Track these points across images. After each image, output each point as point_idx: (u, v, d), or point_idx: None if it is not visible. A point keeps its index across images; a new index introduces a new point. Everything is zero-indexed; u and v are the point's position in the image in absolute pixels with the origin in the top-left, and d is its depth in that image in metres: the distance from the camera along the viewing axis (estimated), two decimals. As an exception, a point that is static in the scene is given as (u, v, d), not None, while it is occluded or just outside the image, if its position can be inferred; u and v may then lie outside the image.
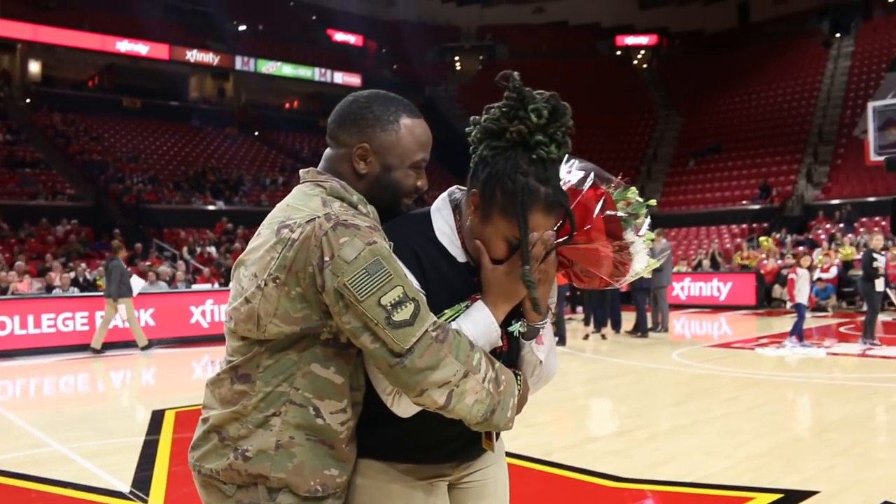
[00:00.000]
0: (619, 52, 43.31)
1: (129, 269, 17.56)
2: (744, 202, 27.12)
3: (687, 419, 6.76)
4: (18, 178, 23.03)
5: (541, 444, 5.91)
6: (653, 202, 1.88)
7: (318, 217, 1.60)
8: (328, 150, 1.80)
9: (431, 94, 39.27)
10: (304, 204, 1.66)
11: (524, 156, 1.68)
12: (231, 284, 1.75)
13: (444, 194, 1.86)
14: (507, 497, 2.07)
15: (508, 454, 5.41)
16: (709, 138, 32.01)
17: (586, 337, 13.09)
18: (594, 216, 1.75)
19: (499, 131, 1.70)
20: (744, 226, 25.70)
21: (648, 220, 1.84)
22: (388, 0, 45.32)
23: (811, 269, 11.45)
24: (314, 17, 42.66)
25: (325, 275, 1.56)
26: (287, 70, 36.18)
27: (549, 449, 5.78)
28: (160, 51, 32.54)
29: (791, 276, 11.36)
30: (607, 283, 1.83)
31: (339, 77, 37.29)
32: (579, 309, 16.10)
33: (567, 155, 1.79)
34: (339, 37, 42.37)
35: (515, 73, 1.72)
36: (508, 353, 1.84)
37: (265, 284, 1.61)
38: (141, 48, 31.94)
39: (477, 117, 1.76)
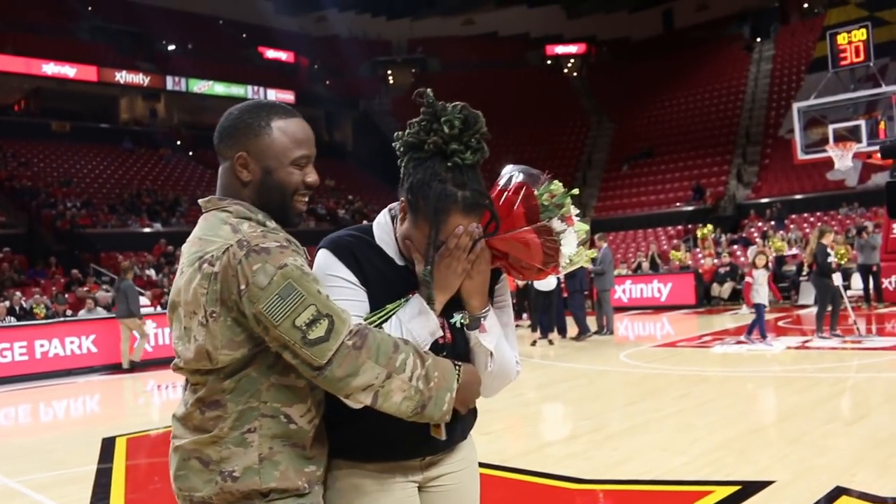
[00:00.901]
0: (549, 62, 43.88)
1: (67, 295, 17.15)
2: (678, 204, 27.71)
3: (641, 418, 6.86)
4: (-55, 207, 22.29)
5: (498, 451, 5.93)
6: (575, 191, 1.99)
7: (231, 246, 1.66)
8: (220, 171, 1.86)
9: (366, 108, 39.28)
10: (214, 234, 1.72)
11: (442, 164, 1.82)
12: (173, 325, 1.78)
13: (385, 209, 2.00)
14: (478, 499, 2.11)
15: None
16: (641, 143, 32.64)
17: (534, 343, 13.20)
18: (514, 207, 1.89)
19: (418, 144, 1.84)
20: (679, 227, 26.24)
21: (575, 210, 1.96)
22: (318, 16, 45.15)
23: (766, 267, 11.67)
24: (244, 35, 42.27)
25: (244, 302, 1.63)
26: (219, 89, 35.76)
27: (507, 455, 5.80)
28: (88, 72, 31.84)
29: (748, 278, 11.57)
30: (544, 273, 1.95)
31: (273, 94, 36.99)
32: (524, 316, 16.20)
33: (508, 166, 1.98)
34: (271, 54, 42.06)
35: (429, 90, 1.87)
36: (455, 346, 1.95)
37: (205, 321, 1.67)
38: (68, 70, 31.20)
39: (400, 132, 1.89)
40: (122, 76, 33.13)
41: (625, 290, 20.01)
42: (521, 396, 8.60)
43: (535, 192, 1.92)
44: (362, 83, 42.64)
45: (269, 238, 1.67)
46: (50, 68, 30.70)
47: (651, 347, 12.19)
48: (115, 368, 12.99)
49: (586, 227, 1.99)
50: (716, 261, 20.40)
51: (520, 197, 1.90)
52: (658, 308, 19.12)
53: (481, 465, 5.31)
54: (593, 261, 14.36)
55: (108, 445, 7.06)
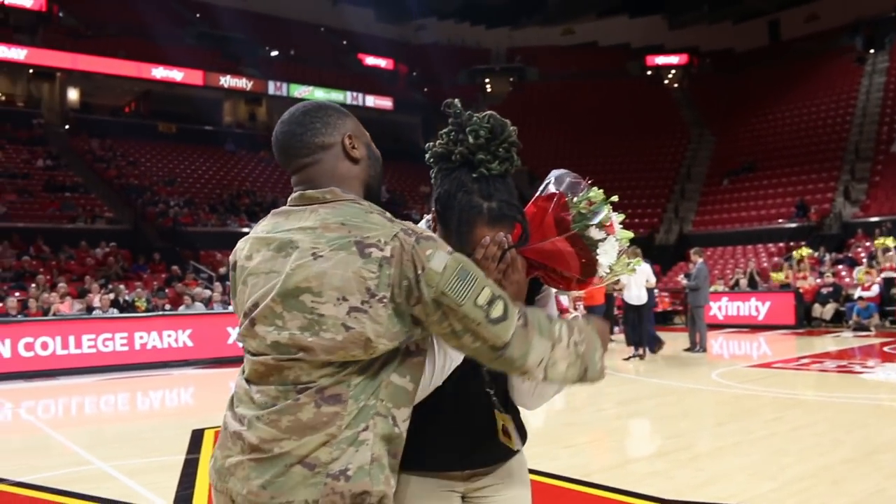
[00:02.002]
0: (649, 72, 43.17)
1: (167, 290, 17.80)
2: (780, 221, 26.80)
3: (729, 440, 6.65)
4: (58, 202, 23.42)
5: (580, 465, 5.85)
6: (615, 198, 1.96)
7: (398, 232, 1.65)
8: (316, 167, 1.81)
9: (463, 116, 39.42)
10: (363, 220, 1.68)
11: (468, 175, 1.82)
12: (284, 315, 1.67)
13: (423, 220, 2.03)
14: None
15: (547, 475, 5.39)
16: (742, 157, 31.72)
17: (627, 358, 12.90)
18: (546, 215, 1.87)
19: (446, 154, 1.85)
20: (780, 244, 25.38)
21: (618, 216, 1.93)
22: (418, 24, 45.68)
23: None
24: (345, 42, 43.11)
25: (422, 287, 1.61)
26: (319, 94, 36.48)
27: (589, 470, 5.71)
28: (195, 77, 33.01)
29: None
30: (585, 284, 1.92)
31: (371, 100, 37.59)
32: (616, 330, 15.93)
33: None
34: (370, 61, 42.73)
35: (456, 101, 1.90)
36: None
37: (369, 306, 1.61)
38: (176, 74, 32.43)
39: (431, 143, 1.91)
40: (227, 80, 34.20)
41: (721, 308, 19.47)
42: (607, 411, 8.48)
43: (574, 200, 1.90)
44: (460, 91, 42.78)
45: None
46: (159, 72, 31.97)
47: (745, 367, 11.81)
48: (213, 363, 13.42)
49: (629, 234, 1.95)
50: (818, 280, 19.65)
51: (551, 205, 1.87)
52: (755, 327, 18.52)
53: (561, 477, 5.30)
54: (687, 276, 14.09)
55: (196, 437, 7.27)
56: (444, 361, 1.82)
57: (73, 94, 32.43)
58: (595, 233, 1.86)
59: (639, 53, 43.24)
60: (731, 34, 42.08)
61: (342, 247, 1.63)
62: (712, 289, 19.95)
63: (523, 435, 2.06)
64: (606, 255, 1.86)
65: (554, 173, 1.99)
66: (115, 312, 14.20)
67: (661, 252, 25.76)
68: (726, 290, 20.62)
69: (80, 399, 10.71)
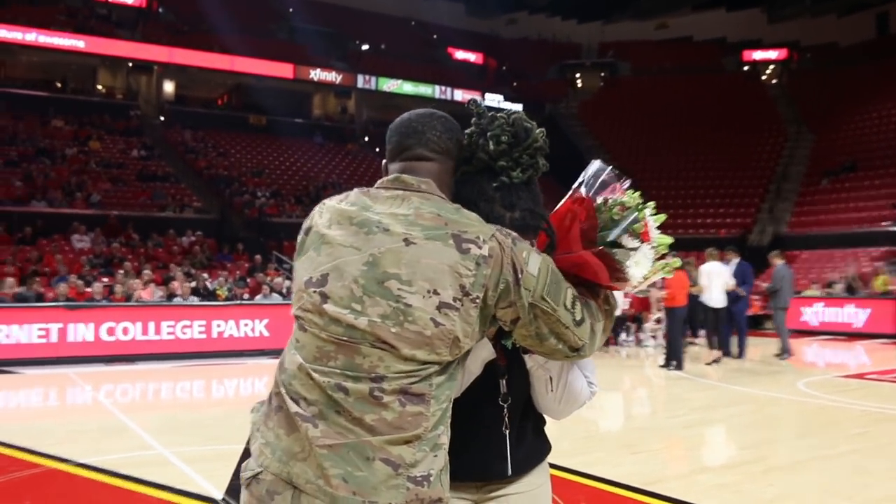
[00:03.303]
0: (746, 68, 41.76)
1: (248, 280, 18.13)
2: (882, 223, 25.54)
3: (808, 454, 6.29)
4: (150, 191, 24.15)
5: (644, 473, 5.59)
6: (651, 204, 1.84)
7: (495, 232, 1.61)
8: (427, 164, 1.74)
9: (552, 111, 38.99)
10: (460, 215, 1.63)
11: (489, 182, 1.73)
12: (368, 299, 1.57)
13: None
14: None
15: (606, 481, 5.18)
16: (843, 156, 30.37)
17: (710, 363, 12.45)
18: (573, 224, 1.76)
19: (467, 157, 1.76)
20: (882, 249, 24.19)
21: (654, 220, 1.82)
22: (508, 18, 45.43)
23: None
24: (434, 36, 43.20)
25: (520, 290, 1.59)
26: (408, 88, 36.68)
27: (652, 478, 5.45)
28: (285, 70, 33.56)
29: None
30: (614, 288, 1.81)
31: (459, 94, 37.55)
32: (700, 334, 15.45)
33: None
34: (460, 55, 42.72)
35: (479, 99, 1.82)
36: (510, 368, 1.86)
37: (461, 304, 1.56)
38: (267, 68, 33.05)
39: None
40: (317, 74, 34.67)
41: (816, 313, 18.66)
42: (681, 417, 8.17)
43: (608, 203, 1.80)
44: (549, 86, 42.47)
45: None
46: (250, 66, 32.63)
47: (836, 377, 11.24)
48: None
49: (668, 240, 1.82)
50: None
51: (576, 216, 1.76)
52: (852, 335, 17.66)
53: (623, 485, 5.08)
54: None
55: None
56: (462, 376, 1.75)
57: (168, 87, 33.45)
58: (627, 241, 1.76)
59: (735, 48, 41.91)
60: (834, 27, 40.33)
61: (438, 237, 1.58)
62: (806, 293, 19.23)
63: (544, 447, 1.99)
64: (638, 265, 1.76)
65: (592, 167, 1.88)
66: (194, 300, 14.50)
67: (753, 254, 24.81)
68: (822, 294, 19.74)
69: (155, 385, 10.96)
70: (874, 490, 5.14)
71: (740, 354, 12.92)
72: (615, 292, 1.84)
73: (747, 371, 11.79)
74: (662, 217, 1.83)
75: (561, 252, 1.74)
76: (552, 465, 5.61)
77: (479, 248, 1.57)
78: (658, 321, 14.58)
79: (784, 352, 13.04)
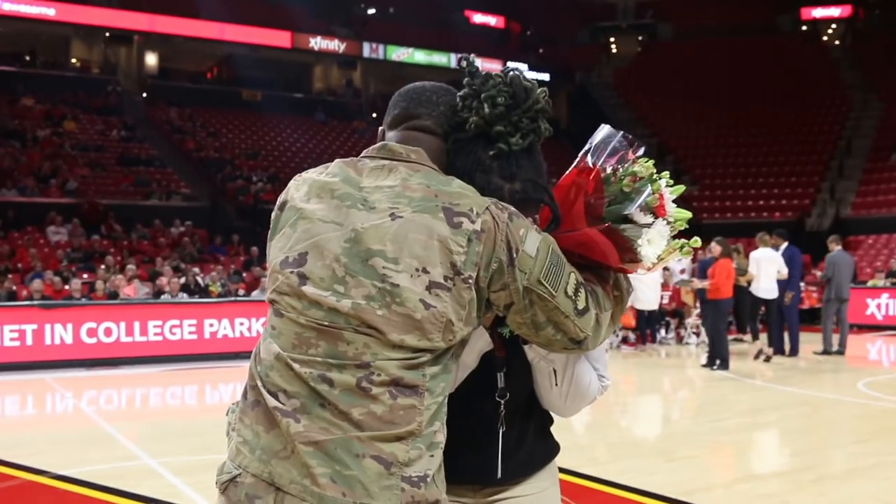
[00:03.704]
0: (804, 27, 41.46)
1: (244, 275, 18.35)
2: (961, 204, 25.44)
3: (866, 461, 6.38)
4: (132, 176, 24.37)
5: (678, 483, 5.71)
6: (666, 174, 1.83)
7: (490, 205, 1.61)
8: (423, 137, 1.77)
9: (583, 81, 38.92)
10: (451, 187, 1.64)
11: (485, 150, 1.71)
12: (351, 280, 1.59)
13: None
14: None
15: (637, 491, 5.30)
16: (918, 127, 30.18)
17: (767, 359, 12.57)
18: (574, 199, 1.76)
19: (460, 123, 1.74)
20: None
21: (670, 192, 1.81)
22: (533, -24, 45.33)
23: None
24: (450, -2, 43.17)
25: (514, 272, 1.58)
26: (420, 57, 36.63)
27: (686, 489, 5.56)
28: (282, 38, 33.50)
29: None
30: (625, 270, 1.81)
31: (478, 63, 37.26)
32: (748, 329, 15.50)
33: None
34: (479, 18, 42.57)
35: (472, 56, 1.79)
36: (509, 359, 1.87)
37: (453, 284, 1.56)
38: (261, 36, 33.07)
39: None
40: (317, 42, 34.65)
41: (879, 306, 18.60)
42: (724, 421, 8.27)
43: (617, 173, 1.80)
44: (580, 52, 42.25)
45: None
46: (242, 33, 32.57)
47: (901, 377, 11.31)
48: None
49: (686, 214, 1.82)
50: None
51: (582, 188, 1.77)
52: (923, 331, 17.65)
53: (656, 496, 5.20)
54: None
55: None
56: (456, 369, 1.77)
57: (151, 60, 33.57)
58: (639, 216, 1.76)
59: (792, 5, 41.52)
60: (907, -20, 40.02)
61: (427, 210, 1.58)
62: (871, 283, 19.19)
63: (550, 448, 2.03)
64: (652, 244, 1.75)
65: (600, 131, 1.87)
66: (184, 297, 14.70)
67: (811, 239, 24.79)
68: (888, 285, 19.67)
69: (142, 390, 11.18)
70: (935, 499, 5.24)
71: (792, 352, 13.02)
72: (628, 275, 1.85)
73: (801, 370, 11.86)
74: (680, 189, 1.83)
75: (564, 230, 1.74)
76: (579, 474, 5.75)
77: (472, 222, 1.57)
78: (700, 315, 14.63)
79: (839, 346, 13.27)
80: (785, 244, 13.03)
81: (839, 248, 13.58)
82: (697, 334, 15.13)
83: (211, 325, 13.74)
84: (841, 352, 13.22)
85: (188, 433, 7.96)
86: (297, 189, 1.75)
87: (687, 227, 1.84)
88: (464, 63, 1.79)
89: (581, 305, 1.64)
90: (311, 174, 1.77)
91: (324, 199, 1.67)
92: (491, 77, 1.74)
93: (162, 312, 13.61)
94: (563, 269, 1.62)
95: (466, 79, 1.76)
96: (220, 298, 15.09)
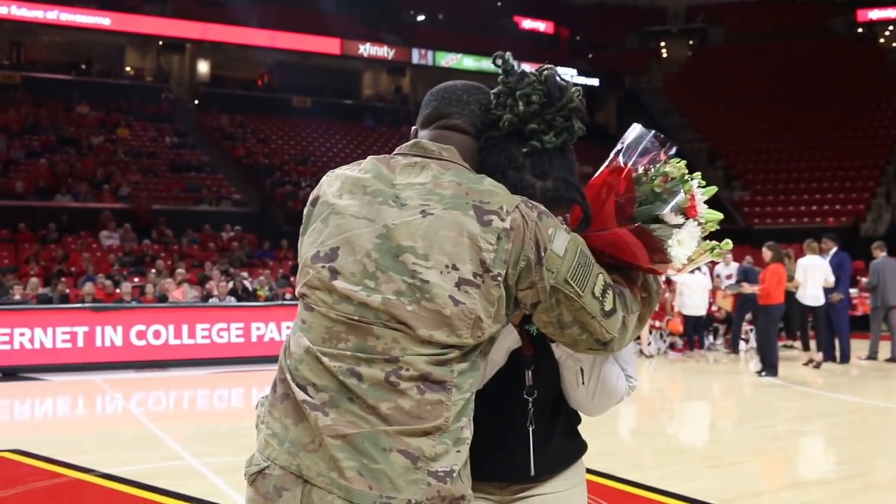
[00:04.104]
0: (860, 30, 40.76)
1: (292, 279, 18.48)
2: None
3: (915, 469, 6.24)
4: (183, 182, 24.74)
5: (719, 489, 5.63)
6: (697, 174, 1.82)
7: (519, 204, 1.62)
8: (454, 135, 1.78)
9: (632, 86, 38.69)
10: (482, 185, 1.65)
11: (519, 147, 1.72)
12: (382, 275, 1.61)
13: None
14: None
15: (677, 496, 5.24)
16: (976, 131, 29.50)
17: (817, 366, 12.37)
18: (605, 198, 1.76)
19: (494, 120, 1.75)
20: None
21: (702, 193, 1.80)
22: (583, -19, 45.18)
23: None
24: (499, 4, 43.14)
25: (542, 270, 1.59)
26: (468, 63, 36.64)
27: (728, 496, 5.48)
28: (331, 45, 33.74)
29: None
30: (654, 271, 1.81)
31: (528, 69, 37.31)
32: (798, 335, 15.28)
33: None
34: (528, 24, 42.49)
35: (508, 54, 1.79)
36: (537, 357, 1.87)
37: (482, 281, 1.57)
38: (311, 43, 33.27)
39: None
40: (366, 49, 34.84)
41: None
42: (771, 428, 8.14)
43: (649, 173, 1.78)
44: (630, 57, 42.00)
45: None
46: (293, 41, 32.86)
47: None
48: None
49: (717, 216, 1.81)
50: None
51: (613, 188, 1.77)
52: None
53: (695, 501, 5.13)
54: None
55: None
56: (484, 367, 1.78)
57: (203, 67, 34.07)
58: (670, 217, 1.75)
59: (847, 7, 40.82)
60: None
61: (458, 207, 1.60)
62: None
63: (578, 447, 2.03)
64: (682, 245, 1.75)
65: (632, 131, 1.87)
66: (232, 301, 14.86)
67: (866, 245, 24.31)
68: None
69: (189, 392, 11.34)
70: None
71: (843, 359, 12.82)
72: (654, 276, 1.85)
73: (852, 377, 11.66)
74: (712, 190, 1.82)
75: (594, 229, 1.74)
76: (620, 479, 5.69)
77: (502, 220, 1.58)
78: (750, 322, 14.47)
79: (890, 354, 13.07)
80: (834, 249, 12.85)
81: (884, 254, 13.40)
82: (746, 340, 14.93)
83: (258, 329, 13.87)
84: (893, 359, 12.95)
85: (233, 434, 8.02)
86: (330, 185, 1.76)
87: (718, 228, 1.83)
88: (499, 61, 1.80)
89: (608, 307, 1.64)
90: (344, 170, 1.78)
91: (356, 195, 1.68)
92: (526, 75, 1.75)
93: (210, 316, 13.78)
94: (590, 270, 1.62)
95: (501, 76, 1.78)
96: (267, 302, 15.21)
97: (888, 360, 12.94)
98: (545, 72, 1.75)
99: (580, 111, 1.74)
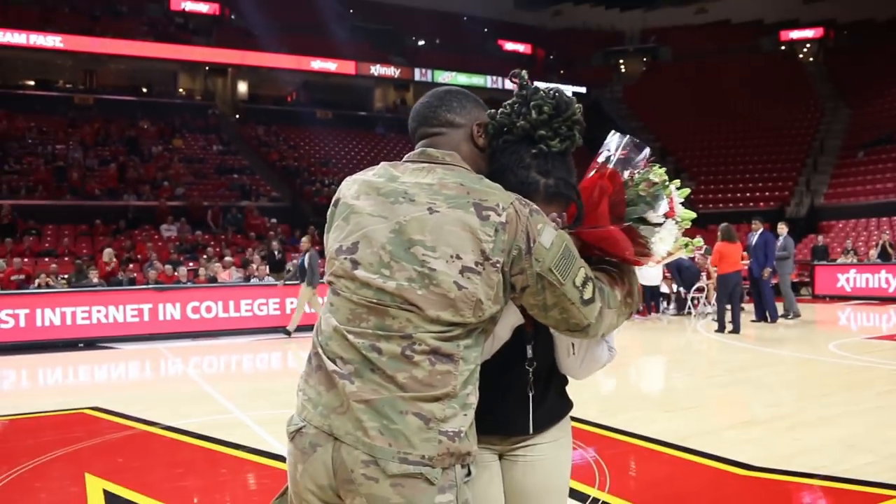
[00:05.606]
0: (783, 48, 40.50)
1: (319, 261, 18.41)
2: (918, 192, 24.69)
3: (833, 410, 6.20)
4: (228, 182, 24.68)
5: (675, 430, 5.60)
6: (677, 182, 1.77)
7: (514, 201, 1.60)
8: (441, 139, 1.75)
9: (597, 97, 38.47)
10: (481, 185, 1.63)
11: (528, 150, 1.70)
12: (395, 265, 1.59)
13: None
14: (564, 479, 1.98)
15: (642, 437, 5.21)
16: (880, 129, 29.32)
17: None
18: (601, 199, 1.72)
19: (508, 126, 1.73)
20: (918, 217, 23.39)
21: (679, 194, 1.76)
22: (554, 10, 44.85)
23: None
24: (485, 30, 42.90)
25: (531, 259, 1.57)
26: (462, 79, 36.46)
27: (682, 434, 5.46)
28: (348, 67, 33.70)
29: None
30: (637, 262, 1.78)
31: (510, 83, 37.23)
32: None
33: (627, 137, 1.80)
34: (510, 46, 42.30)
35: (524, 72, 1.77)
36: (536, 334, 1.85)
37: (483, 268, 1.56)
38: (331, 65, 33.19)
39: (493, 111, 1.78)
40: (377, 69, 34.72)
41: (849, 279, 18.19)
42: (713, 378, 8.12)
43: (634, 178, 1.74)
44: (594, 73, 41.80)
45: None
46: (317, 64, 32.82)
47: (866, 339, 10.99)
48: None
49: (691, 215, 1.77)
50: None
51: (605, 191, 1.73)
52: (885, 299, 17.16)
53: (656, 441, 5.10)
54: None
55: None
56: (492, 341, 1.78)
57: (242, 87, 33.92)
58: (653, 217, 1.73)
59: (772, 29, 40.56)
60: (871, 4, 38.77)
61: (460, 206, 1.58)
62: (840, 261, 18.97)
63: (566, 405, 2.00)
64: (663, 241, 1.73)
65: (613, 140, 1.83)
66: (270, 280, 14.81)
67: (791, 225, 24.33)
68: (854, 262, 19.19)
69: (237, 357, 11.30)
70: None
71: (772, 319, 12.86)
72: (638, 269, 1.83)
73: (782, 335, 11.61)
74: (686, 191, 1.78)
75: (588, 225, 1.72)
76: (593, 423, 5.66)
77: (499, 215, 1.56)
78: (699, 290, 14.51)
79: (789, 312, 13.44)
80: (761, 229, 12.83)
81: (786, 232, 13.84)
82: (696, 306, 14.93)
83: (291, 303, 13.84)
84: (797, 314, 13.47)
85: (272, 392, 8.00)
86: (349, 188, 1.75)
87: (690, 224, 1.80)
88: (516, 77, 1.79)
89: (587, 296, 1.61)
90: (360, 175, 1.77)
91: (371, 196, 1.67)
92: (539, 89, 1.74)
93: (252, 293, 13.79)
94: (573, 263, 1.60)
95: (517, 89, 1.77)
96: (298, 281, 15.13)
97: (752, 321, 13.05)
98: (553, 87, 1.76)
99: (581, 124, 1.73)
